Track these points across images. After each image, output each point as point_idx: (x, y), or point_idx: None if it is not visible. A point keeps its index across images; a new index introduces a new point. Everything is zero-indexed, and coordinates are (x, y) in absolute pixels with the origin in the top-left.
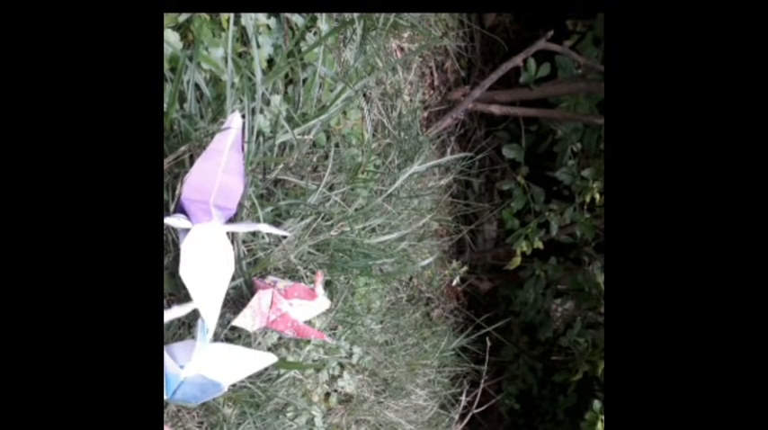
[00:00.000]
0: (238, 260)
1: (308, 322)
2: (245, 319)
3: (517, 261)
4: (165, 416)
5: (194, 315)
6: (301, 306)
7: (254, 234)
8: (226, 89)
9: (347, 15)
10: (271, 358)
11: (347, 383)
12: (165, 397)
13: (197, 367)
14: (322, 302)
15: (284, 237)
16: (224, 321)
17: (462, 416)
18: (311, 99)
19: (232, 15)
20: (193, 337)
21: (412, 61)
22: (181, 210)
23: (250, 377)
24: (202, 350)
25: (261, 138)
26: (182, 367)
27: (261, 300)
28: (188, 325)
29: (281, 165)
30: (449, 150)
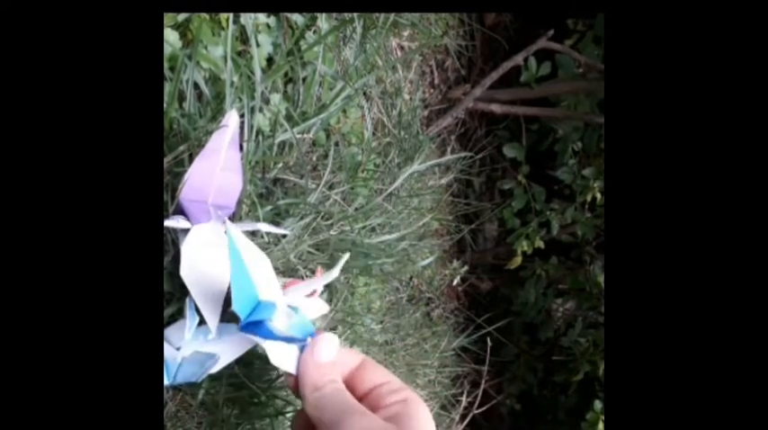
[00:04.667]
0: None
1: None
2: None
3: (518, 260)
4: (164, 416)
5: (183, 293)
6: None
7: (253, 233)
8: (225, 88)
9: (347, 14)
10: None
11: None
12: (166, 382)
13: (192, 345)
14: (321, 306)
15: (284, 236)
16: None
17: (463, 417)
18: (311, 97)
19: (231, 14)
20: (184, 317)
21: (412, 60)
22: (180, 211)
23: (249, 377)
24: (193, 326)
25: (260, 137)
26: (178, 349)
27: None
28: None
29: (280, 164)
30: (449, 149)
